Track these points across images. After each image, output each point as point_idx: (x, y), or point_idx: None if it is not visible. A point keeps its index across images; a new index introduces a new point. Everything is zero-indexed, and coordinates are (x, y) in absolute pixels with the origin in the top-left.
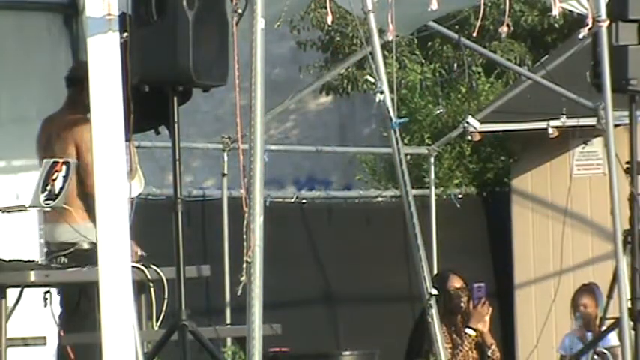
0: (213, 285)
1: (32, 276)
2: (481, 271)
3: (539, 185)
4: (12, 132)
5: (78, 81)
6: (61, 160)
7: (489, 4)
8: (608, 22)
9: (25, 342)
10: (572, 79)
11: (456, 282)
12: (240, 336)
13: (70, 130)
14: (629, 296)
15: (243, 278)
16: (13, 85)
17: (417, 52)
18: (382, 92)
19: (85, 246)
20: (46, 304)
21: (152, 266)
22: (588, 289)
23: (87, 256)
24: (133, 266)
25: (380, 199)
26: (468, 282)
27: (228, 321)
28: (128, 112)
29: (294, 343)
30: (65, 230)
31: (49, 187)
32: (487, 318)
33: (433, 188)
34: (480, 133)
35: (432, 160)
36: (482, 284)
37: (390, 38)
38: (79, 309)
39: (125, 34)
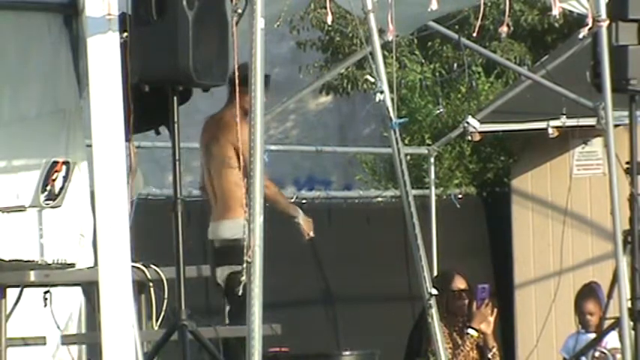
0: (213, 285)
1: (32, 276)
2: (481, 271)
3: (539, 185)
4: (12, 132)
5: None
6: (60, 160)
7: (489, 4)
8: (608, 22)
9: (25, 342)
10: (572, 79)
11: (459, 283)
12: (240, 336)
13: (228, 132)
14: (629, 296)
15: (243, 278)
16: (13, 85)
17: (417, 52)
18: (382, 92)
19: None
20: (45, 304)
21: (152, 266)
22: (592, 292)
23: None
24: (133, 266)
25: (380, 199)
26: (470, 283)
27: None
28: (128, 112)
29: (294, 343)
30: (228, 227)
31: (48, 187)
32: (491, 319)
33: (433, 188)
34: (479, 133)
35: (432, 160)
36: (486, 285)
37: (390, 38)
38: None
39: (125, 34)
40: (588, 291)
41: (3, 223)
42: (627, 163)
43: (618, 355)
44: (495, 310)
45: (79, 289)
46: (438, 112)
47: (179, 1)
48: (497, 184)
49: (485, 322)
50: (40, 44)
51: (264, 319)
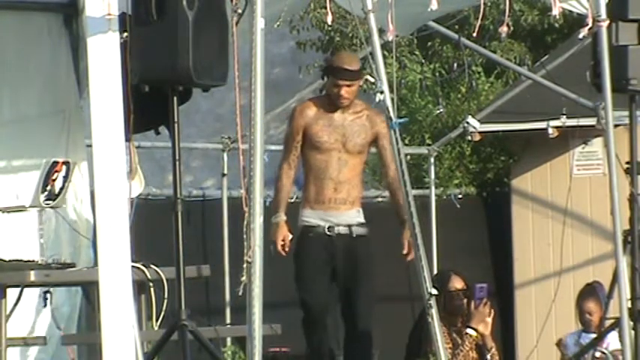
0: (213, 285)
1: (32, 276)
2: (481, 271)
3: (539, 185)
4: (12, 132)
5: (325, 74)
6: (61, 160)
7: (489, 4)
8: (608, 22)
9: (25, 342)
10: (572, 79)
11: (457, 283)
12: (240, 336)
13: None
14: (629, 296)
15: (243, 278)
16: (13, 85)
17: (417, 52)
18: (382, 92)
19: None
20: (45, 304)
21: (152, 266)
22: (593, 291)
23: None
24: (133, 266)
25: (380, 199)
26: (469, 283)
27: (228, 321)
28: (128, 112)
29: (294, 343)
30: (354, 215)
31: (48, 187)
32: (489, 319)
33: (433, 188)
34: (480, 133)
35: (432, 160)
36: (484, 285)
37: (390, 38)
38: None
39: (125, 34)
40: (589, 290)
41: (3, 223)
42: (627, 163)
43: (620, 357)
44: (493, 310)
45: (79, 289)
46: (438, 112)
47: (179, 1)
48: (497, 184)
49: (484, 322)
50: (40, 44)
51: (264, 319)
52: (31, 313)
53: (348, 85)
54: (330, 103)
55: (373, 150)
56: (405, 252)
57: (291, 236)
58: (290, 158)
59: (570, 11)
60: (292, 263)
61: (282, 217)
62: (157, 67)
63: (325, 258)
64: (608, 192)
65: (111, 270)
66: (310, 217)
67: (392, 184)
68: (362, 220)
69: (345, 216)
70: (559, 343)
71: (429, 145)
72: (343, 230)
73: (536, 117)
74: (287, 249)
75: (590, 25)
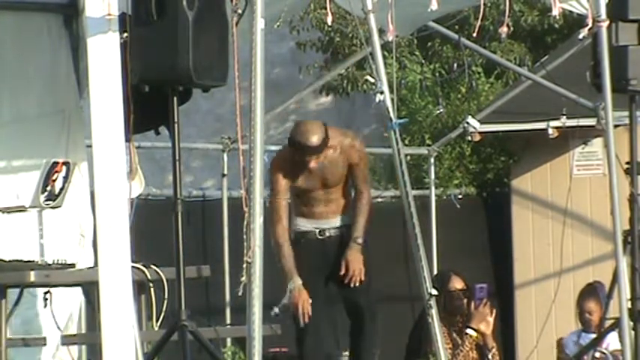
0: (213, 285)
1: (32, 276)
2: (481, 271)
3: (539, 185)
4: (12, 132)
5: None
6: (61, 161)
7: (489, 4)
8: (608, 22)
9: (25, 342)
10: (572, 79)
11: (457, 283)
12: (240, 336)
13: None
14: (629, 296)
15: (243, 278)
16: (13, 85)
17: (417, 53)
18: (382, 92)
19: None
20: (46, 305)
21: (152, 266)
22: (593, 291)
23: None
24: (133, 266)
25: (380, 199)
26: (469, 283)
27: (228, 321)
28: (128, 112)
29: (294, 343)
30: (346, 220)
31: (49, 188)
32: (490, 319)
33: (433, 188)
34: (480, 133)
35: (432, 160)
36: (484, 285)
37: (390, 38)
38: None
39: (125, 34)
40: (590, 290)
41: (3, 223)
42: (627, 163)
43: (620, 358)
44: (494, 310)
45: (79, 289)
46: (438, 112)
47: (179, 1)
48: (497, 185)
49: (485, 322)
50: (40, 45)
51: (264, 319)
52: (31, 313)
53: (316, 157)
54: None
55: (374, 150)
56: (342, 273)
57: (310, 300)
58: (280, 211)
59: (570, 11)
60: None
61: (297, 281)
62: (157, 67)
63: (318, 263)
64: (608, 192)
65: (111, 270)
66: (302, 224)
67: (358, 207)
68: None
69: (336, 220)
70: (558, 343)
71: (429, 145)
72: (334, 232)
73: (536, 117)
74: (307, 317)
75: (590, 25)
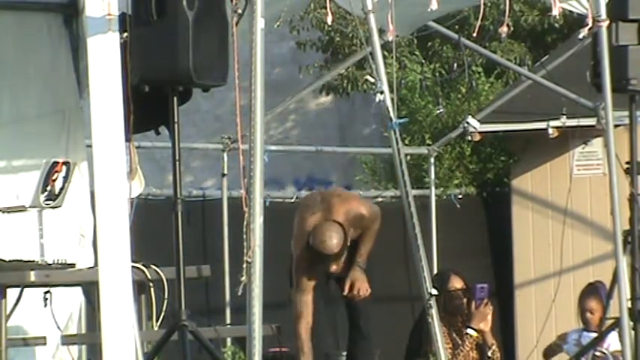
0: (213, 285)
1: (32, 276)
2: (481, 272)
3: (539, 185)
4: (12, 132)
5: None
6: (61, 161)
7: (489, 4)
8: (608, 22)
9: (25, 342)
10: (572, 79)
11: (456, 283)
12: (240, 336)
13: None
14: (629, 296)
15: (243, 278)
16: (13, 85)
17: (417, 52)
18: (382, 92)
19: None
20: (46, 304)
21: (152, 266)
22: (595, 290)
23: None
24: (133, 266)
25: (380, 199)
26: (469, 283)
27: (228, 321)
28: (128, 112)
29: (294, 343)
30: None
31: (49, 188)
32: (489, 318)
33: (433, 188)
34: (480, 133)
35: (432, 160)
36: (484, 285)
37: (390, 38)
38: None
39: (125, 34)
40: (591, 289)
41: (3, 223)
42: (627, 163)
43: (620, 358)
44: (492, 308)
45: (79, 289)
46: (438, 112)
47: (179, 1)
48: (498, 184)
49: (484, 321)
50: (40, 44)
51: (264, 319)
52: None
53: (336, 261)
54: None
55: (374, 150)
56: (345, 293)
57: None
58: (305, 309)
59: (570, 11)
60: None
61: None
62: (156, 67)
63: (320, 266)
64: (608, 192)
65: (111, 270)
66: None
67: (367, 235)
68: None
69: None
70: (561, 335)
71: (429, 145)
72: None
73: (536, 117)
74: None
75: (590, 25)
